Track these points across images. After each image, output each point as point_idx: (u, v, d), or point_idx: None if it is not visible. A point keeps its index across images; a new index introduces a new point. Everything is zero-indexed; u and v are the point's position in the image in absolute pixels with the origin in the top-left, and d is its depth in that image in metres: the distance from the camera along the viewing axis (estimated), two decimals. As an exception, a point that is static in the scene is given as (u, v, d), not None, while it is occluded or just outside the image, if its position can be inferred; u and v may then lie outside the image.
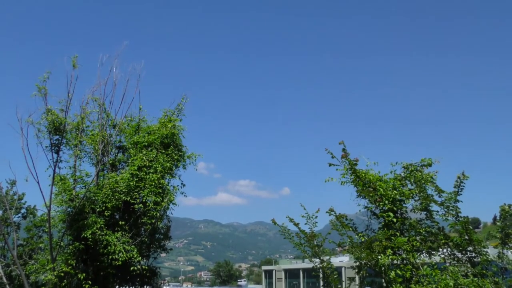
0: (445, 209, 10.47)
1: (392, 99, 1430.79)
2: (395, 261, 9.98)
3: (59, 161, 14.67)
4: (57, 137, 14.73)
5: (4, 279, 16.12)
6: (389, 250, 9.81)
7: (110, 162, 16.18)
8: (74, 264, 13.92)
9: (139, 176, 14.73)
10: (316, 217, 11.38)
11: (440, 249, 10.67)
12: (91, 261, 14.55)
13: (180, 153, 16.32)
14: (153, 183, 14.58)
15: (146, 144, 15.67)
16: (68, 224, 14.13)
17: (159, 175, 14.81)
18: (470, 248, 10.24)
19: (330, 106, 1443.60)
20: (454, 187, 10.42)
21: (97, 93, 16.45)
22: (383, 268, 9.85)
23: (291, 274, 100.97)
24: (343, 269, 68.84)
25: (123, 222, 14.52)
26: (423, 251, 10.48)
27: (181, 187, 16.44)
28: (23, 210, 22.02)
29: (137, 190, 14.60)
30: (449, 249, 10.55)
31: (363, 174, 10.78)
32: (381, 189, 10.40)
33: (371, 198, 10.60)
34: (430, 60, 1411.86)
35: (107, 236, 13.72)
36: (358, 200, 11.17)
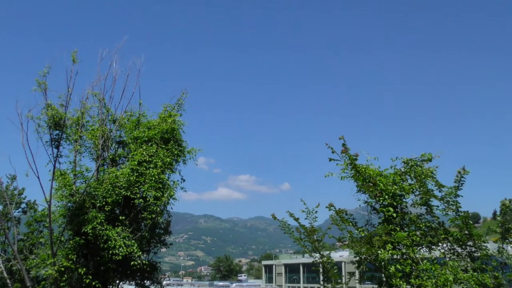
0: (445, 204, 10.47)
1: (393, 94, 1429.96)
2: (395, 256, 10.00)
3: (59, 156, 14.67)
4: (57, 132, 14.71)
5: (5, 274, 16.16)
6: (389, 245, 9.83)
7: (110, 157, 16.17)
8: (74, 259, 13.94)
9: (139, 171, 14.73)
10: (316, 212, 11.39)
11: (440, 244, 10.68)
12: (92, 256, 14.57)
13: (180, 148, 16.31)
14: (153, 178, 14.58)
15: (146, 139, 15.65)
16: (69, 219, 14.14)
17: (159, 170, 14.81)
18: (470, 243, 10.25)
19: (331, 101, 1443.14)
20: (455, 182, 10.42)
21: (97, 88, 16.45)
22: (383, 263, 9.87)
23: (291, 269, 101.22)
24: (343, 264, 69.04)
25: (124, 217, 14.54)
26: (423, 246, 10.49)
27: (181, 182, 16.46)
28: (23, 205, 22.01)
29: (137, 185, 14.60)
30: (449, 243, 10.56)
31: (363, 169, 10.77)
32: (381, 184, 10.40)
33: (371, 193, 10.60)
34: (431, 55, 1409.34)
35: (108, 231, 13.73)
36: (358, 195, 11.19)
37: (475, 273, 9.46)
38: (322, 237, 11.47)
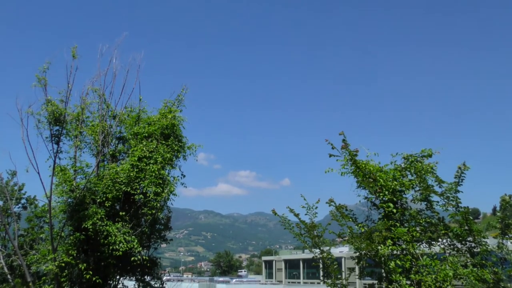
0: (445, 200, 10.48)
1: (393, 91, 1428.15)
2: (395, 252, 10.01)
3: (59, 151, 14.65)
4: (57, 127, 14.70)
5: (6, 269, 16.17)
6: (389, 240, 9.84)
7: (111, 153, 16.16)
8: (75, 255, 13.95)
9: (140, 167, 14.71)
10: (316, 207, 11.38)
11: (440, 240, 10.69)
12: (92, 252, 14.58)
13: (180, 143, 16.29)
14: (154, 174, 14.57)
15: (146, 135, 15.64)
16: (69, 215, 14.14)
17: (159, 166, 14.80)
18: (470, 239, 10.26)
19: (331, 98, 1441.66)
20: (455, 177, 10.42)
21: (97, 83, 16.40)
22: (383, 259, 9.88)
23: (291, 265, 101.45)
24: (343, 259, 69.13)
25: (124, 213, 14.54)
26: (423, 242, 10.50)
27: (181, 177, 16.44)
28: (23, 201, 22.06)
29: (137, 181, 14.60)
30: (449, 239, 10.57)
31: (363, 165, 10.77)
32: (381, 180, 10.40)
33: (371, 188, 10.60)
34: (431, 51, 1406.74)
35: (108, 227, 13.74)
36: (358, 190, 11.19)
37: (475, 269, 9.47)
38: (322, 233, 11.48)
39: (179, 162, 16.42)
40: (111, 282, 15.44)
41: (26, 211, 21.54)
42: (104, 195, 14.30)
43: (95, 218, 13.66)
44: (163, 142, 15.63)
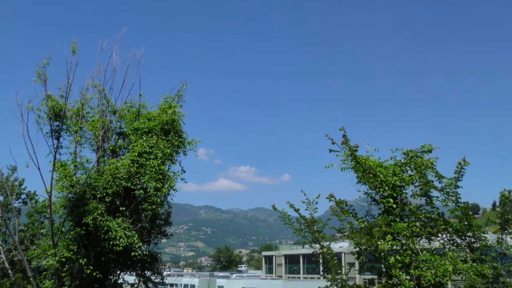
0: (445, 195, 10.48)
1: (393, 86, 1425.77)
2: (394, 247, 10.03)
3: (59, 147, 14.65)
4: (57, 123, 14.69)
5: (6, 264, 16.20)
6: (389, 235, 9.85)
7: (111, 148, 16.16)
8: (75, 250, 13.97)
9: (140, 162, 14.72)
10: (316, 203, 11.40)
11: (440, 235, 10.71)
12: (92, 247, 14.61)
13: (180, 139, 16.29)
14: (154, 169, 14.58)
15: (146, 130, 15.63)
16: (69, 210, 14.16)
17: (159, 161, 14.80)
18: (469, 234, 10.27)
19: (332, 93, 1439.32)
20: (455, 173, 10.42)
21: (97, 79, 16.37)
22: (382, 254, 9.90)
23: (291, 260, 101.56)
24: (343, 254, 69.22)
25: (124, 208, 14.55)
26: (423, 237, 10.52)
27: (181, 173, 16.46)
28: (23, 196, 22.05)
29: (137, 176, 14.61)
30: (448, 234, 10.59)
31: (363, 160, 10.78)
32: (381, 175, 10.41)
33: (371, 184, 10.61)
34: (432, 46, 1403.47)
35: (108, 222, 13.75)
36: (358, 186, 11.20)
37: (474, 264, 9.49)
38: (322, 228, 11.50)
39: (179, 157, 16.44)
40: (112, 277, 15.48)
41: (26, 206, 21.53)
42: (105, 190, 14.31)
43: (95, 214, 13.68)
44: (163, 137, 15.63)
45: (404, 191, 10.70)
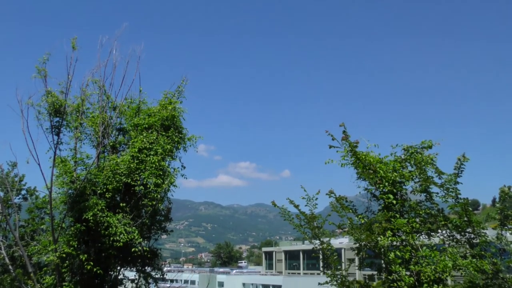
0: (445, 191, 10.50)
1: (394, 82, 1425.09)
2: (394, 243, 10.05)
3: (59, 143, 14.64)
4: (58, 119, 14.67)
5: (7, 260, 16.23)
6: (389, 231, 9.87)
7: (111, 144, 16.16)
8: (75, 245, 13.98)
9: (140, 158, 14.72)
10: (316, 199, 11.42)
11: (440, 231, 10.73)
12: (93, 243, 14.63)
13: (180, 135, 16.27)
14: (154, 165, 14.58)
15: (146, 126, 15.62)
16: (69, 206, 14.17)
17: (159, 157, 14.80)
18: (469, 230, 10.29)
19: (332, 88, 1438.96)
20: (454, 169, 10.44)
21: (97, 75, 16.33)
22: (382, 250, 9.93)
23: (291, 256, 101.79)
24: (343, 250, 69.41)
25: (124, 204, 14.56)
26: (423, 233, 10.53)
27: (181, 169, 16.43)
28: (23, 192, 22.05)
29: (137, 172, 14.61)
30: (448, 230, 10.60)
31: (363, 156, 10.78)
32: (381, 171, 10.42)
33: (371, 180, 10.62)
34: (431, 41, 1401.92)
35: (108, 218, 13.76)
36: (358, 182, 11.22)
37: (474, 260, 9.51)
38: (322, 224, 11.51)
39: (179, 153, 16.43)
40: (112, 273, 15.51)
41: (26, 202, 21.53)
42: (105, 186, 14.32)
43: (95, 209, 13.68)
44: (163, 133, 15.63)
45: (404, 187, 10.71)
